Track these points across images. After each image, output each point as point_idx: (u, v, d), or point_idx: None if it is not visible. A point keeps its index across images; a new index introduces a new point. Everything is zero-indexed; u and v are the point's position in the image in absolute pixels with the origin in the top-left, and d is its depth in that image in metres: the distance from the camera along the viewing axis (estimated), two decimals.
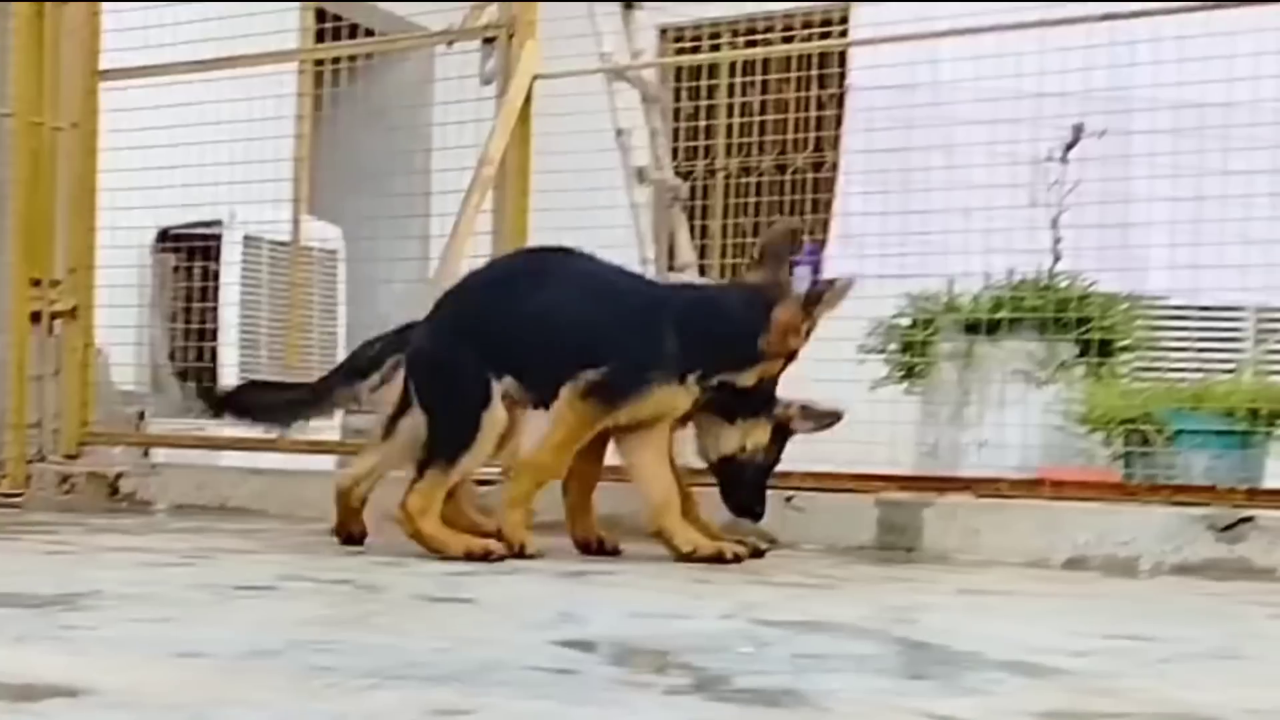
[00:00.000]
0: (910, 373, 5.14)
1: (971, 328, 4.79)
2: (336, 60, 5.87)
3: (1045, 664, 2.18)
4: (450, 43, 5.09)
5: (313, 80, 5.88)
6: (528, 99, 4.87)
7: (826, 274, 5.50)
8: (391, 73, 7.23)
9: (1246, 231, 4.34)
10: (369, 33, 6.12)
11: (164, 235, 7.07)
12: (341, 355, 7.21)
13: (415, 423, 3.70)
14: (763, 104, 6.19)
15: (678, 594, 3.06)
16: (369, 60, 6.30)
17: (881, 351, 5.22)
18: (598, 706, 1.76)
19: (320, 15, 5.71)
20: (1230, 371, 5.06)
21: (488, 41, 4.90)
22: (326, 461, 5.47)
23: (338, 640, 2.21)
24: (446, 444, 3.70)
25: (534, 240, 4.96)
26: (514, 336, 3.74)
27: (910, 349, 5.02)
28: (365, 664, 1.98)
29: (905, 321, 5.12)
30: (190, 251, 6.90)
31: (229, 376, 6.49)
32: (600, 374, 3.59)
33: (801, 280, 7.41)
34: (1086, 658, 2.30)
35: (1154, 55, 4.44)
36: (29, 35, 5.43)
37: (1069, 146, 4.78)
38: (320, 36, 5.70)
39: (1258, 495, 3.99)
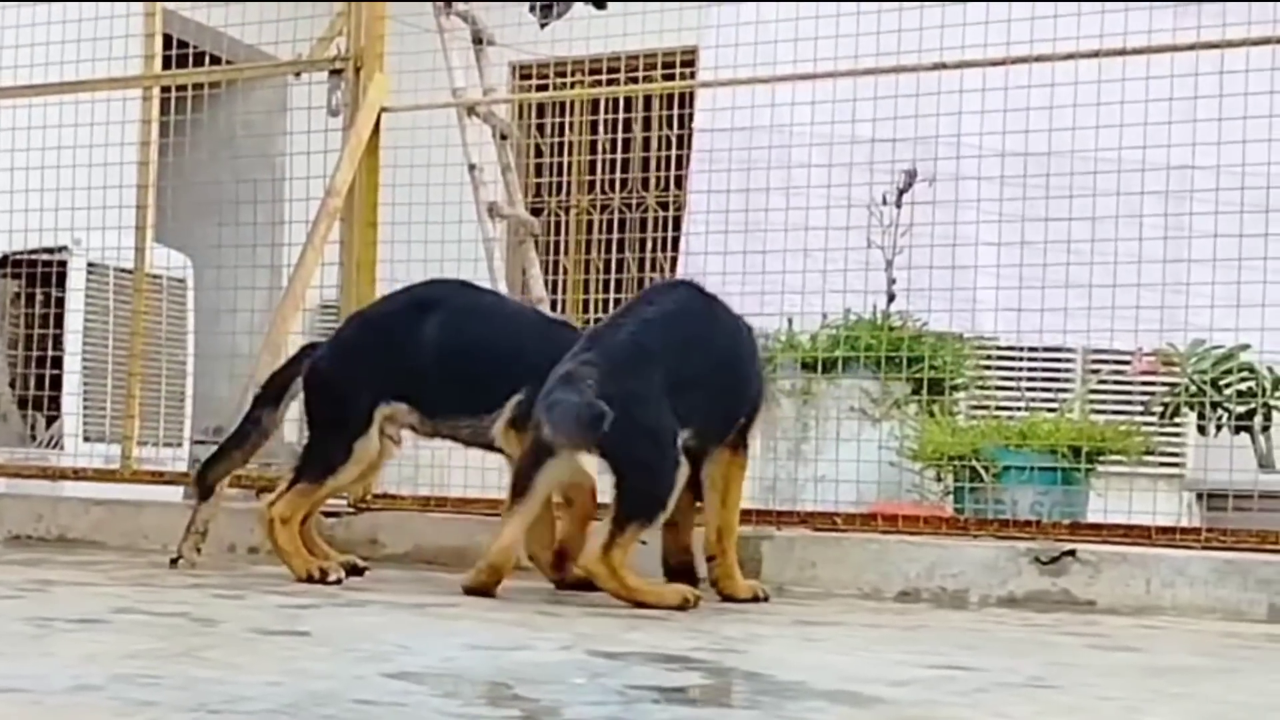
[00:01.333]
0: None
1: (809, 365, 4.91)
2: (184, 87, 5.80)
3: (866, 693, 2.25)
4: (297, 73, 5.09)
5: (161, 106, 5.80)
6: (375, 131, 4.88)
7: None
8: (243, 101, 7.16)
9: (1069, 276, 4.53)
10: (216, 60, 6.06)
11: (4, 261, 6.90)
12: (191, 384, 7.12)
13: None
14: (614, 143, 6.27)
15: (519, 626, 3.08)
16: (220, 88, 6.24)
17: None
18: None
19: (169, 42, 5.64)
20: (1055, 410, 5.25)
21: (335, 73, 4.91)
22: (170, 492, 5.39)
23: (164, 674, 2.20)
24: (319, 461, 3.91)
25: (382, 272, 4.96)
26: (412, 364, 3.83)
27: None
28: (189, 698, 1.97)
29: None
30: (32, 278, 6.74)
31: (71, 406, 6.35)
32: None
33: None
34: (906, 687, 2.38)
35: (981, 104, 4.63)
36: None
37: (902, 191, 4.94)
38: (169, 63, 5.62)
39: (1079, 529, 4.15)
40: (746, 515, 4.28)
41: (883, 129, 4.72)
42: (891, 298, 4.90)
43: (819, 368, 4.90)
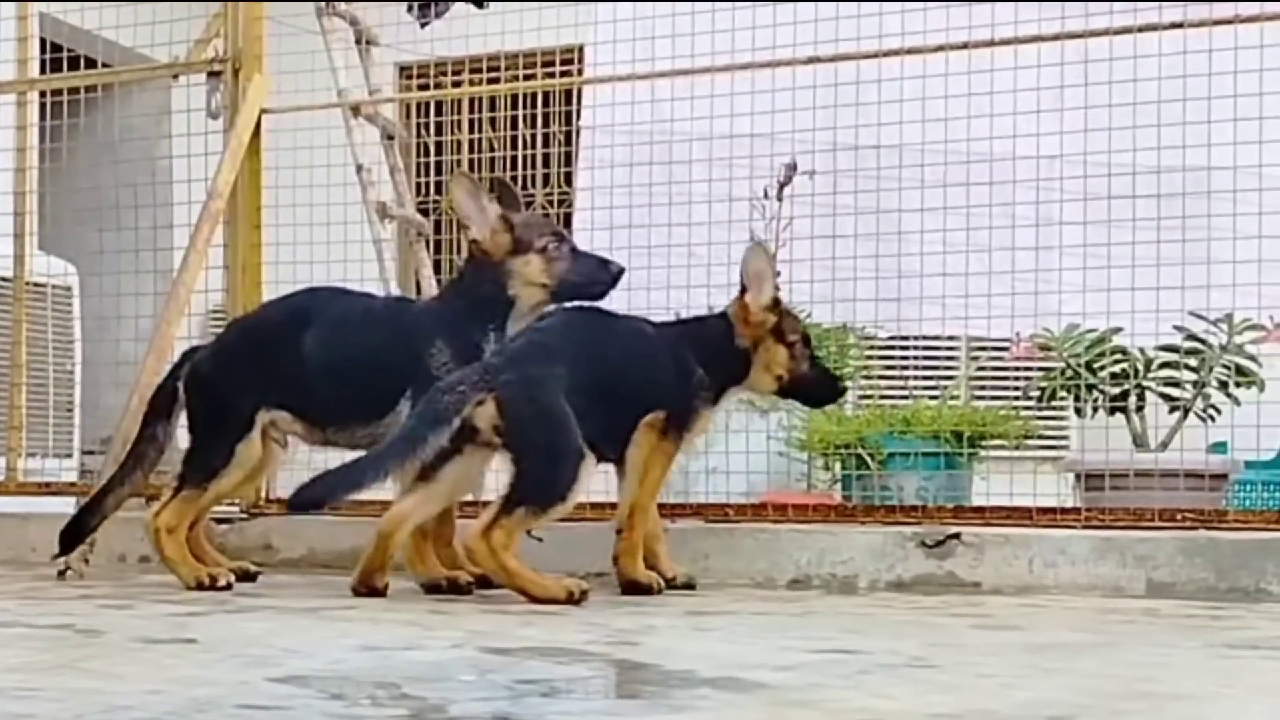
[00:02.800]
0: None
1: None
2: (61, 92, 5.71)
3: (750, 679, 2.29)
4: (175, 76, 5.03)
5: (40, 112, 5.69)
6: (257, 133, 4.84)
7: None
8: (125, 105, 7.05)
9: (945, 266, 4.62)
10: (95, 64, 5.97)
11: None
12: (79, 394, 6.99)
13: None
14: (503, 141, 6.27)
15: (411, 625, 3.08)
16: (101, 92, 6.14)
17: None
18: None
19: (46, 46, 5.54)
20: (938, 397, 5.35)
21: (213, 75, 4.86)
22: (59, 504, 5.30)
23: (42, 687, 2.17)
24: (201, 466, 3.88)
25: (269, 275, 4.93)
26: (292, 375, 3.83)
27: None
28: (66, 710, 1.95)
29: None
30: None
31: None
32: None
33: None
34: (791, 671, 2.42)
35: (856, 97, 4.71)
36: None
37: (782, 185, 5.00)
38: (45, 68, 5.53)
39: (963, 513, 4.24)
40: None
41: (762, 124, 4.79)
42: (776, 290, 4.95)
43: None
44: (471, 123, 6.77)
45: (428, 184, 7.05)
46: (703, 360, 3.78)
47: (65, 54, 5.63)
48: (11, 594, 3.74)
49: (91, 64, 5.97)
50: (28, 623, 3.05)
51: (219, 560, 4.04)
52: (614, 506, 3.86)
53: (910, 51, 4.37)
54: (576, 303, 3.89)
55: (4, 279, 6.07)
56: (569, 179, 6.33)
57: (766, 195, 5.02)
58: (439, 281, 5.54)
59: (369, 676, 2.35)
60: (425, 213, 6.10)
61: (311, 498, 3.53)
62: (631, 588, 3.71)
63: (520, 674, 2.35)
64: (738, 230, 4.76)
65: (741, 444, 4.83)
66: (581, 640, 2.79)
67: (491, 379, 3.52)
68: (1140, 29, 4.27)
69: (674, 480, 4.64)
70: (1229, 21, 4.17)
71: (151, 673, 2.35)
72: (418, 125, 6.95)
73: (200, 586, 3.79)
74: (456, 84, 5.74)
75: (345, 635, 2.93)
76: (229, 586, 3.80)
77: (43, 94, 5.58)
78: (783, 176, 5.01)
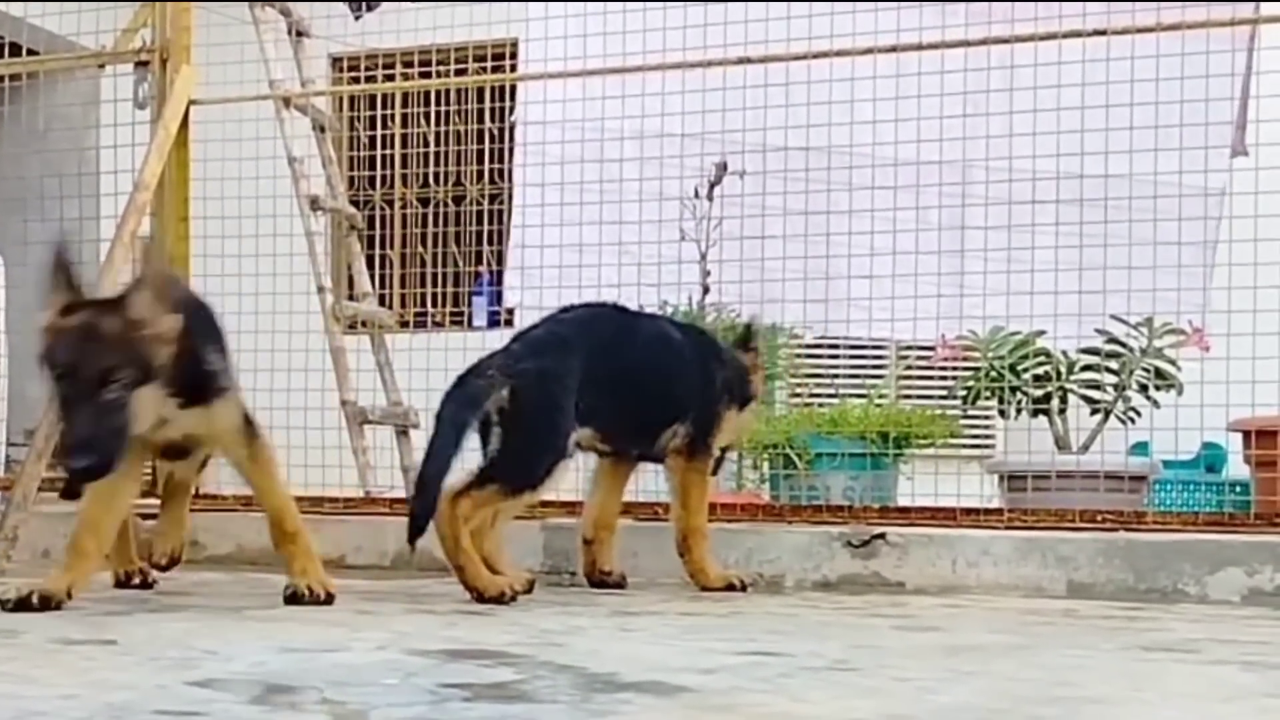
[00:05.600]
0: None
1: None
2: None
3: (673, 682, 2.30)
4: (101, 65, 4.97)
5: None
6: (185, 124, 4.79)
7: (504, 304, 5.62)
8: (54, 93, 6.95)
9: (872, 269, 4.66)
10: (19, 51, 5.88)
11: None
12: (4, 385, 6.88)
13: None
14: (438, 135, 6.24)
15: (337, 626, 3.07)
16: (29, 80, 6.05)
17: None
18: None
19: None
20: (865, 398, 5.40)
21: (141, 65, 4.80)
22: None
23: None
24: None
25: (197, 267, 4.88)
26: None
27: None
28: None
29: None
30: None
31: None
32: None
33: (479, 309, 7.54)
34: (713, 674, 2.44)
35: (785, 99, 4.73)
36: None
37: (713, 185, 5.02)
38: None
39: (889, 513, 4.29)
40: (567, 506, 4.34)
41: (693, 123, 4.80)
42: (706, 290, 4.99)
43: None
44: (405, 116, 6.74)
45: (361, 177, 7.02)
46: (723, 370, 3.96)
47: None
48: None
49: (18, 51, 5.88)
50: None
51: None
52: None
53: (839, 54, 4.40)
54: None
55: None
56: (503, 175, 6.32)
57: (697, 194, 5.04)
58: (372, 276, 5.53)
59: (290, 680, 2.34)
60: (358, 205, 6.07)
61: (424, 511, 3.52)
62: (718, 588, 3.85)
63: (443, 677, 2.35)
64: (669, 229, 4.77)
65: None
66: (506, 641, 2.79)
67: (511, 366, 3.59)
68: (1065, 35, 4.32)
69: None
70: (1150, 29, 4.23)
71: (68, 676, 2.33)
72: (351, 118, 6.93)
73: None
74: (390, 77, 5.71)
75: (268, 637, 2.91)
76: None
77: None
78: (713, 176, 5.03)
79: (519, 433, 3.58)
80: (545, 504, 4.26)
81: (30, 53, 6.09)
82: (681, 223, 4.93)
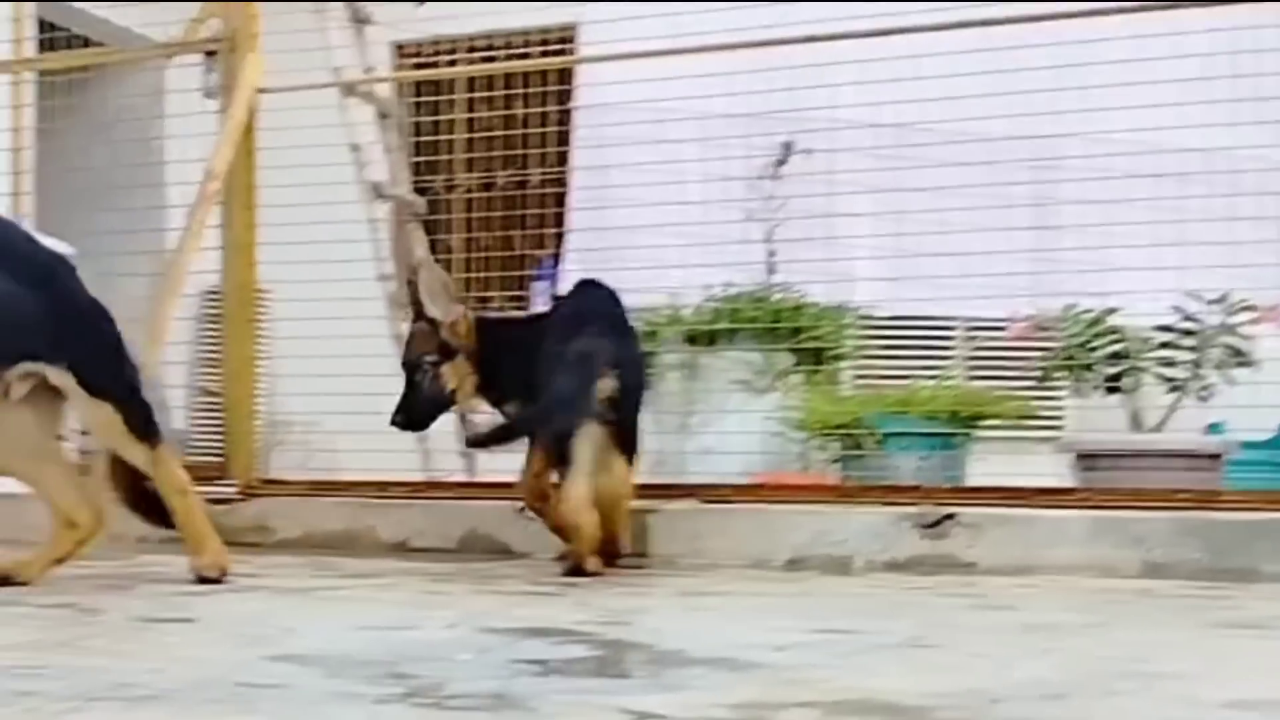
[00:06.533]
0: None
1: (694, 339, 4.95)
2: (57, 72, 5.69)
3: (744, 658, 2.29)
4: (170, 56, 5.01)
5: (36, 93, 5.68)
6: (252, 113, 4.82)
7: (561, 289, 5.62)
8: (121, 85, 7.02)
9: (943, 246, 4.61)
10: (90, 44, 5.95)
11: None
12: None
13: None
14: (499, 120, 6.25)
15: (405, 606, 3.09)
16: (95, 72, 6.12)
17: None
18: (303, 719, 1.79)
19: (43, 26, 5.52)
20: (935, 377, 5.34)
21: (209, 55, 4.84)
22: None
23: (44, 665, 2.18)
24: None
25: (263, 255, 4.91)
26: None
27: None
28: (70, 687, 1.96)
29: None
30: None
31: None
32: None
33: (540, 295, 7.54)
34: (784, 651, 2.43)
35: (858, 76, 4.68)
36: None
37: (778, 164, 4.99)
38: (42, 48, 5.51)
39: (960, 493, 4.24)
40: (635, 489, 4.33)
41: (759, 104, 4.77)
42: (771, 270, 4.96)
43: (703, 341, 4.95)
44: (467, 102, 6.74)
45: (424, 164, 7.04)
46: None
47: (62, 34, 5.60)
48: None
49: (87, 44, 5.94)
50: (29, 602, 3.05)
51: None
52: None
53: (910, 30, 4.34)
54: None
55: None
56: (564, 159, 6.32)
57: (762, 175, 5.01)
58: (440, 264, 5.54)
59: (365, 656, 2.36)
60: (421, 192, 6.10)
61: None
62: None
63: (515, 653, 2.36)
64: (732, 210, 4.74)
65: (737, 424, 4.83)
66: (576, 620, 2.79)
67: (613, 354, 3.69)
68: (1149, 8, 4.23)
69: (669, 461, 4.66)
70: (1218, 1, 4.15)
71: (152, 651, 2.36)
72: (414, 104, 6.95)
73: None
74: (452, 63, 5.72)
75: (341, 616, 2.94)
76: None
77: (40, 74, 5.55)
78: (779, 155, 5.00)
79: (634, 416, 3.72)
80: None
81: (96, 46, 6.16)
82: (746, 203, 4.90)
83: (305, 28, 5.25)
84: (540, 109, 6.10)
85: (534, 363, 3.80)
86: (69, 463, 3.59)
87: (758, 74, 4.64)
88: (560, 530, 3.78)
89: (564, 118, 6.13)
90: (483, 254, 6.70)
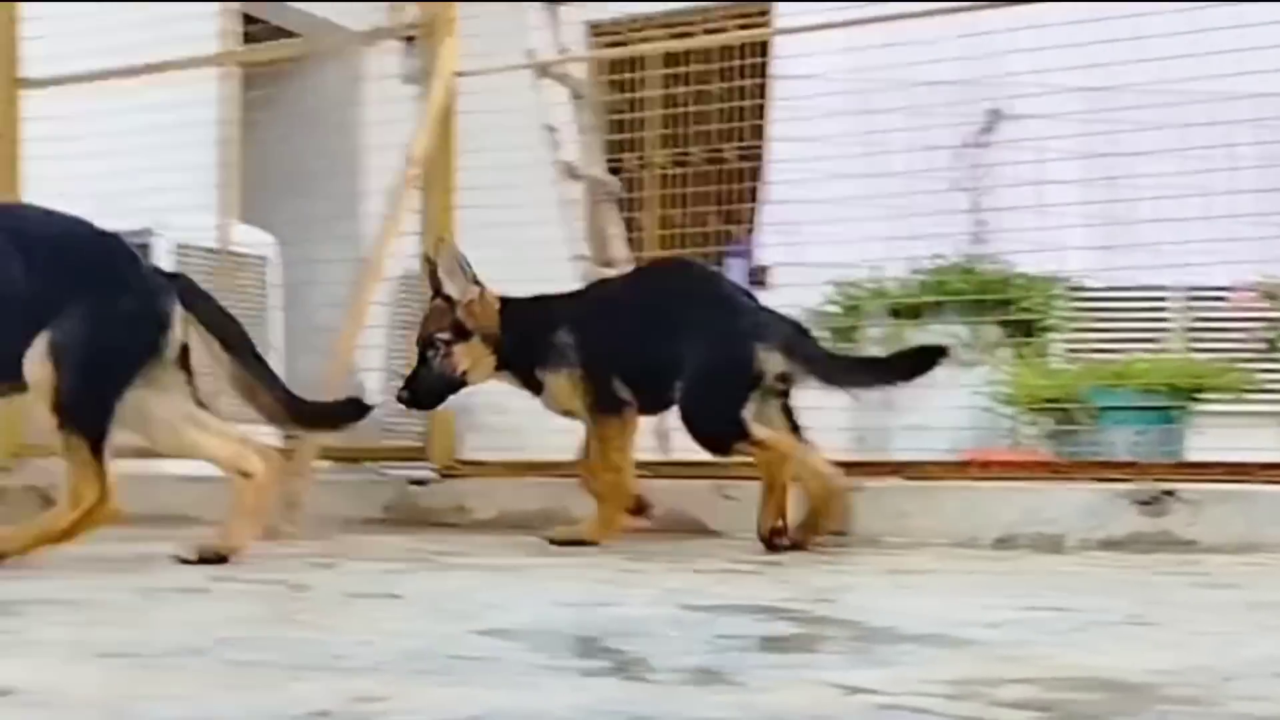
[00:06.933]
0: None
1: (897, 312, 4.84)
2: (262, 64, 5.84)
3: (957, 635, 2.22)
4: (371, 44, 5.09)
5: (240, 84, 5.84)
6: (450, 97, 4.87)
7: (758, 263, 5.57)
8: (319, 75, 7.19)
9: (1160, 212, 4.41)
10: (289, 35, 6.09)
11: None
12: (276, 362, 7.19)
13: None
14: (695, 97, 6.21)
15: (605, 584, 3.08)
16: (296, 63, 6.27)
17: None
18: (512, 690, 1.78)
19: (245, 19, 5.68)
20: (1154, 349, 5.13)
21: (409, 41, 4.90)
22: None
23: (262, 637, 2.23)
24: None
25: (462, 240, 4.96)
26: None
27: (838, 335, 5.07)
28: (288, 658, 2.00)
29: (833, 308, 5.16)
30: None
31: None
32: None
33: (734, 270, 7.49)
34: (999, 629, 2.34)
35: (1068, 39, 4.49)
36: None
37: (984, 132, 4.84)
38: (249, 40, 5.67)
39: (1179, 468, 4.06)
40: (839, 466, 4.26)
41: (964, 70, 4.61)
42: (979, 241, 4.81)
43: (907, 314, 4.83)
44: (661, 79, 6.72)
45: (617, 143, 7.04)
46: None
47: (263, 25, 5.75)
48: None
49: (286, 35, 6.09)
50: (243, 579, 3.13)
51: None
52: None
53: None
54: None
55: (210, 250, 6.27)
56: (759, 134, 6.24)
57: (969, 143, 4.86)
58: (631, 242, 5.54)
59: (571, 630, 2.35)
60: (614, 172, 6.10)
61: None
62: None
63: (720, 629, 2.33)
64: (936, 180, 4.62)
65: (942, 399, 4.71)
66: (779, 597, 2.75)
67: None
68: None
69: (872, 437, 4.57)
70: None
71: (361, 625, 2.40)
72: (607, 84, 6.95)
73: None
74: (646, 40, 5.70)
75: (543, 592, 2.94)
76: None
77: (244, 67, 5.71)
78: (986, 123, 4.85)
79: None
80: None
81: (294, 36, 6.31)
82: (950, 172, 4.77)
83: (499, 10, 5.29)
84: (736, 83, 6.04)
85: (566, 333, 3.88)
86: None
87: (963, 39, 4.49)
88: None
89: (760, 92, 6.06)
90: (677, 231, 6.68)
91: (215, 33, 5.59)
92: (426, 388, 4.01)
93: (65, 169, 5.32)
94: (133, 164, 5.47)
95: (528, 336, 3.99)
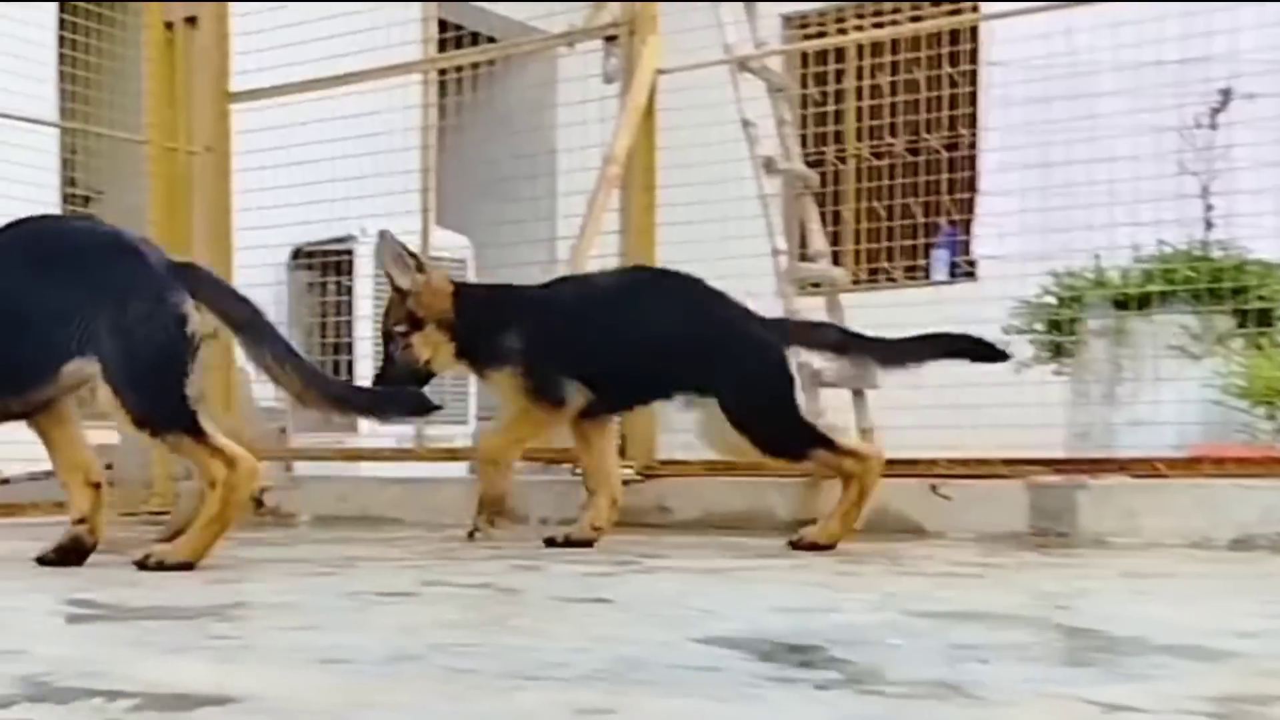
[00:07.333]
0: (1058, 352, 4.99)
1: (1121, 303, 4.63)
2: (460, 69, 5.88)
3: (1213, 646, 2.06)
4: (571, 44, 5.07)
5: (438, 90, 5.89)
6: (651, 95, 4.82)
7: (972, 255, 5.41)
8: (513, 78, 7.23)
9: None
10: (489, 40, 6.12)
11: (297, 253, 7.17)
12: None
13: None
14: (892, 87, 6.05)
15: (820, 588, 2.98)
16: (491, 67, 6.30)
17: (1027, 332, 5.09)
18: (744, 703, 1.69)
19: (442, 25, 5.72)
20: None
21: (610, 40, 4.87)
22: (460, 469, 5.49)
23: (478, 643, 2.18)
24: None
25: (661, 238, 4.91)
26: None
27: (1057, 328, 4.88)
28: (506, 665, 1.94)
29: (1051, 300, 4.97)
30: (324, 267, 6.99)
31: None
32: None
33: (940, 262, 7.29)
34: (1257, 639, 2.18)
35: None
36: (160, 61, 5.51)
37: (1216, 112, 4.58)
38: (443, 46, 5.71)
39: None
40: (1053, 464, 4.09)
41: (1191, 48, 4.37)
42: (1209, 226, 4.57)
43: (1132, 304, 4.61)
44: (859, 69, 6.57)
45: (816, 136, 6.91)
46: None
47: (463, 32, 5.79)
48: (428, 554, 3.86)
49: (478, 40, 6.12)
50: (450, 582, 3.12)
51: None
52: None
53: None
54: None
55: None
56: (968, 121, 6.05)
57: (1198, 124, 4.61)
58: (831, 235, 5.43)
59: (792, 639, 2.25)
60: (813, 165, 5.98)
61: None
62: None
63: (951, 638, 2.20)
64: (1164, 163, 4.39)
65: (1171, 393, 4.48)
66: (1008, 604, 2.61)
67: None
68: None
69: (1095, 433, 4.37)
70: None
71: (575, 631, 2.34)
72: (805, 76, 6.83)
73: None
74: (844, 31, 5.57)
75: (757, 596, 2.85)
76: None
77: (442, 73, 5.75)
78: (1217, 103, 4.59)
79: None
80: (1030, 461, 4.02)
81: (490, 40, 6.34)
82: (1179, 155, 4.53)
83: (695, 7, 5.23)
84: (937, 71, 5.87)
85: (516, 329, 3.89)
86: None
87: (1186, 17, 4.25)
88: None
89: (966, 79, 5.87)
90: (879, 224, 6.52)
91: (413, 39, 5.64)
92: (394, 381, 4.00)
93: (274, 179, 5.44)
94: (337, 173, 5.56)
95: (480, 327, 4.01)
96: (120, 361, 3.12)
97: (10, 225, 3.30)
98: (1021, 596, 2.73)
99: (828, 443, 3.75)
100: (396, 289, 4.02)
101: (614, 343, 3.89)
